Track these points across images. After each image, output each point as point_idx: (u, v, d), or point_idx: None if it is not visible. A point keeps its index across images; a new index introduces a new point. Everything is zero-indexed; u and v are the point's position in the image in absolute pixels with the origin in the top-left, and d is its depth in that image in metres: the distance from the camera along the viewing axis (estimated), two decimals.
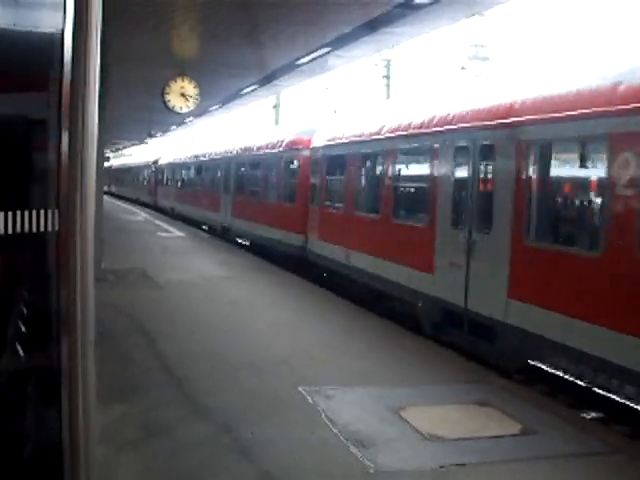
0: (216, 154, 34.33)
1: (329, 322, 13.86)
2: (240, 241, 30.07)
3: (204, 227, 37.09)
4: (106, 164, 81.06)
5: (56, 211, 3.00)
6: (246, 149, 28.70)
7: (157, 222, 40.63)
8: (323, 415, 8.34)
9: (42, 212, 3.24)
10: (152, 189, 54.94)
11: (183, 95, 17.23)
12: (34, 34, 3.35)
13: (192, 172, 40.65)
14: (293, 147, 22.49)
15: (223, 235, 31.24)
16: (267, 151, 25.26)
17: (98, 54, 2.71)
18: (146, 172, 59.37)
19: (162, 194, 50.80)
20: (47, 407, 3.32)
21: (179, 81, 17.18)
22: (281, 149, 23.49)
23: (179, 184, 44.30)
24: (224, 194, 31.09)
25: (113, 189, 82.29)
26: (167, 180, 49.02)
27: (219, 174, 32.83)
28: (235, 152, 30.38)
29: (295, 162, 22.31)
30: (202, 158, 37.69)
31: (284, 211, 22.72)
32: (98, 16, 2.70)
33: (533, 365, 11.67)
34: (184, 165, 43.04)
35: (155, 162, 54.41)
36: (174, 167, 46.29)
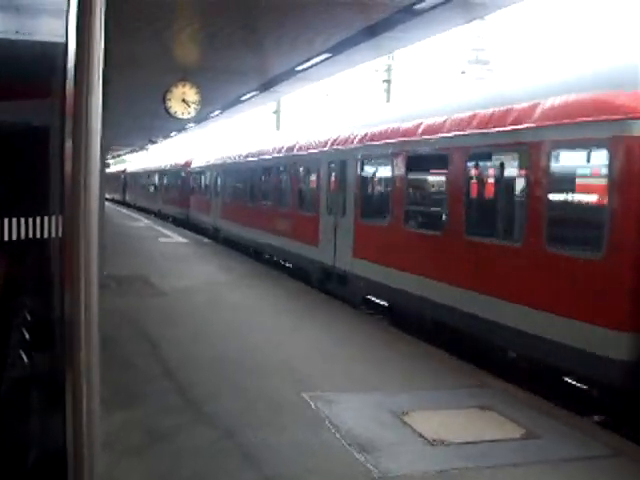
0: (309, 147, 21.14)
1: (331, 328, 13.87)
2: (372, 299, 17.18)
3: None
4: (119, 169, 77.84)
5: (60, 217, 3.01)
6: (391, 133, 15.50)
7: (158, 228, 40.61)
8: (326, 421, 8.35)
9: (46, 218, 3.26)
10: (182, 200, 42.55)
11: (184, 101, 17.23)
12: (37, 42, 3.36)
13: (253, 177, 27.71)
14: (595, 118, 9.57)
15: (324, 284, 19.03)
16: (466, 133, 12.43)
17: (101, 61, 2.72)
18: (172, 178, 47.34)
19: (198, 207, 38.57)
20: (51, 413, 3.33)
21: (180, 87, 17.18)
22: (528, 127, 10.83)
23: (228, 195, 31.81)
24: (330, 215, 18.59)
25: (128, 198, 71.42)
26: (205, 189, 37.02)
27: (316, 181, 20.45)
28: (361, 138, 17.17)
29: (606, 157, 9.45)
30: (276, 154, 24.55)
31: (548, 269, 10.26)
32: (101, 24, 2.71)
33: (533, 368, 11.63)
34: (238, 167, 30.21)
35: (186, 164, 42.78)
36: (219, 171, 33.85)
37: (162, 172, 52.00)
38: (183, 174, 43.31)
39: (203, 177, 38.02)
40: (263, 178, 26.52)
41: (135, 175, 68.42)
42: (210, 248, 30.39)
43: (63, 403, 2.85)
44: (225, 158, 33.13)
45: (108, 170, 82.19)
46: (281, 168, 24.26)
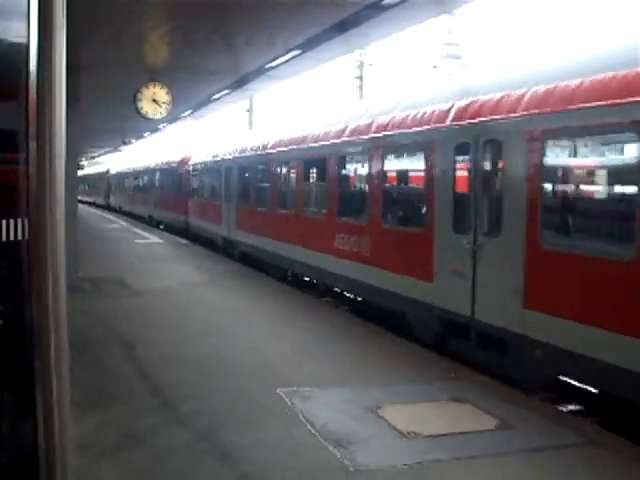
0: (405, 124, 13.62)
1: (307, 325, 13.89)
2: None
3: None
4: (102, 169, 72.62)
5: (26, 220, 3.02)
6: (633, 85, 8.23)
7: (135, 230, 40.43)
8: (301, 416, 8.38)
9: (12, 221, 3.26)
10: (178, 204, 36.08)
11: (155, 101, 17.19)
12: (5, 42, 3.36)
13: (293, 174, 20.03)
14: None
15: (443, 341, 12.23)
16: None
17: (63, 62, 2.73)
18: (166, 178, 40.54)
19: (201, 214, 31.57)
20: (22, 416, 3.33)
21: (151, 87, 17.15)
22: None
23: (249, 198, 23.95)
24: (458, 234, 11.70)
25: (113, 202, 63.86)
26: (212, 190, 29.44)
27: (424, 176, 13.01)
28: (540, 100, 9.89)
29: None
30: (337, 139, 16.43)
31: None
32: (62, 24, 2.72)
33: None
34: (266, 161, 22.06)
35: (183, 161, 36.24)
36: (234, 166, 25.83)
37: (152, 171, 45.14)
38: (180, 173, 36.72)
39: (208, 176, 30.63)
40: (312, 174, 19.40)
41: (120, 176, 60.36)
42: (187, 249, 30.26)
43: (34, 406, 2.86)
44: (243, 150, 25.12)
45: (88, 172, 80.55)
46: (347, 159, 17.06)
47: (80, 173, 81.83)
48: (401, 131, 13.71)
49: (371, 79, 49.73)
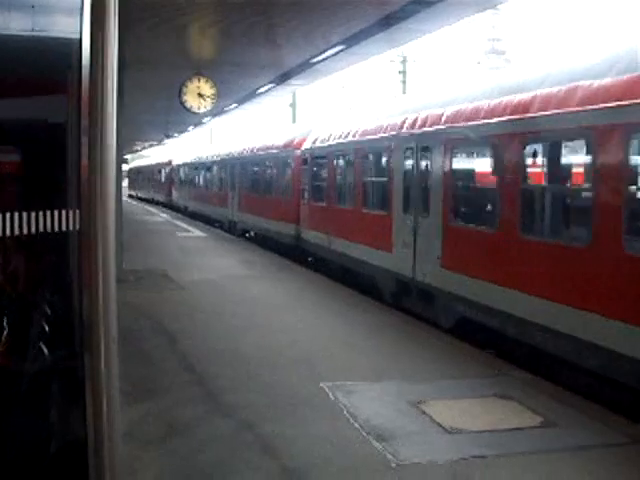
0: None
1: (350, 319, 13.87)
2: None
3: None
4: (163, 160, 61.42)
5: (77, 211, 3.07)
6: None
7: (177, 222, 40.69)
8: (345, 410, 8.39)
9: (64, 212, 3.32)
10: (284, 208, 24.96)
11: (200, 95, 17.29)
12: (53, 39, 3.42)
13: None
14: None
15: None
16: None
17: (115, 57, 2.77)
18: (263, 170, 29.35)
19: (326, 226, 20.19)
20: (71, 405, 3.39)
21: (195, 81, 17.25)
22: None
23: (495, 216, 11.53)
24: None
25: (176, 200, 51.70)
26: (361, 192, 17.84)
27: None
28: None
29: None
30: None
31: None
32: (114, 20, 2.76)
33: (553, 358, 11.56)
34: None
35: (292, 145, 24.98)
36: (435, 148, 13.41)
37: (238, 161, 33.22)
38: (285, 162, 25.74)
39: (352, 166, 18.90)
40: None
41: (188, 167, 47.62)
42: (230, 242, 30.29)
43: (83, 394, 2.91)
44: (466, 114, 12.58)
45: (142, 163, 79.11)
46: None
47: (136, 164, 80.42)
48: None
49: (414, 74, 49.48)
